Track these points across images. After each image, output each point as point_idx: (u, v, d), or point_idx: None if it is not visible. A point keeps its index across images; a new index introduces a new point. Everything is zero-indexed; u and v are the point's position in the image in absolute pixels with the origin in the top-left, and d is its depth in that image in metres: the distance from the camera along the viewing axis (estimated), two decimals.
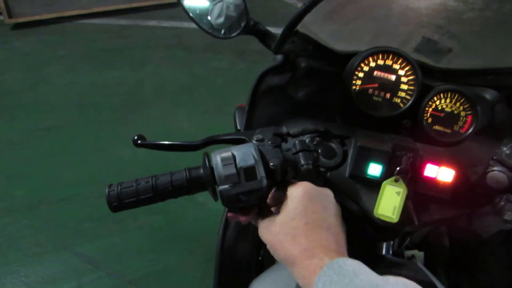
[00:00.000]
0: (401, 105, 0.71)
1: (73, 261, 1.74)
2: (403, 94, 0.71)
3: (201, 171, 0.55)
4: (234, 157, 0.53)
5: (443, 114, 0.70)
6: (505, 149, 0.61)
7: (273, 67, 0.78)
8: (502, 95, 0.73)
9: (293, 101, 0.80)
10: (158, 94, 2.95)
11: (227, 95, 2.91)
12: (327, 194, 0.54)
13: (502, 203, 0.58)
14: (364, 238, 0.76)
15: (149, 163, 2.01)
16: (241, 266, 0.79)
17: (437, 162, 0.63)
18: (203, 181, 0.54)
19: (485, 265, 0.85)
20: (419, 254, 1.04)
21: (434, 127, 0.71)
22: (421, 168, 0.63)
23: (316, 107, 0.79)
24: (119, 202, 0.53)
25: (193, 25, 0.73)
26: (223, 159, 0.52)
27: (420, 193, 0.64)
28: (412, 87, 0.70)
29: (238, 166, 0.52)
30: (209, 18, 0.72)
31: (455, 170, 0.63)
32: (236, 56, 3.47)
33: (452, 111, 0.70)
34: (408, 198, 0.61)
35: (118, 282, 1.66)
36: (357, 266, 0.42)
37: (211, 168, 0.53)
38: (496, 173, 0.59)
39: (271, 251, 0.51)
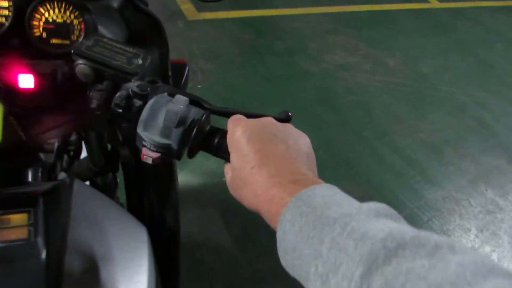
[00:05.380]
0: (5, 23, 0.66)
1: None
2: (4, 12, 0.66)
3: None
4: None
5: (55, 25, 0.68)
6: (86, 42, 0.60)
7: None
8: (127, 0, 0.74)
9: None
10: None
11: None
12: (266, 122, 0.49)
13: (91, 93, 0.59)
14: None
15: None
16: None
17: (29, 71, 0.62)
18: None
19: (152, 171, 0.93)
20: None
21: (52, 41, 0.69)
22: (15, 81, 0.61)
23: None
24: None
25: None
26: None
27: (22, 106, 0.63)
28: (11, 2, 0.66)
29: None
30: None
31: (37, 74, 0.62)
32: None
33: (64, 21, 0.69)
34: (8, 114, 0.59)
35: None
36: (329, 193, 0.39)
37: None
38: (81, 66, 0.58)
39: None
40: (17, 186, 0.72)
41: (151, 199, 0.93)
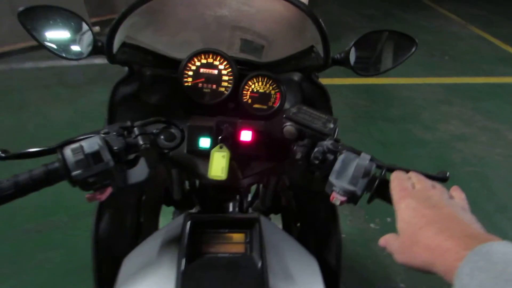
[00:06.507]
0: (225, 92, 0.90)
1: None
2: (225, 84, 0.90)
3: (56, 163, 0.65)
4: (82, 147, 0.64)
5: (258, 94, 0.91)
6: (293, 109, 0.79)
7: (123, 79, 0.90)
8: (305, 75, 0.95)
9: (148, 105, 0.93)
10: (44, 135, 2.86)
11: None
12: (429, 192, 0.55)
13: (295, 148, 0.75)
14: (212, 199, 0.95)
15: None
16: (119, 258, 0.88)
17: (249, 128, 0.82)
18: (59, 171, 0.64)
19: (315, 215, 1.07)
20: (275, 217, 1.24)
21: (254, 106, 0.91)
22: (238, 135, 0.81)
23: (167, 108, 0.94)
24: None
25: (72, 63, 0.81)
26: (72, 150, 0.64)
27: (240, 153, 0.82)
28: (231, 77, 0.89)
29: (85, 152, 0.64)
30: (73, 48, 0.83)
31: (261, 133, 0.82)
32: None
33: (265, 91, 0.91)
34: (232, 159, 0.79)
35: None
36: (508, 250, 0.39)
37: (64, 159, 0.63)
38: (288, 127, 0.76)
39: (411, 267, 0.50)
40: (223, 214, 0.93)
41: (317, 234, 1.09)
